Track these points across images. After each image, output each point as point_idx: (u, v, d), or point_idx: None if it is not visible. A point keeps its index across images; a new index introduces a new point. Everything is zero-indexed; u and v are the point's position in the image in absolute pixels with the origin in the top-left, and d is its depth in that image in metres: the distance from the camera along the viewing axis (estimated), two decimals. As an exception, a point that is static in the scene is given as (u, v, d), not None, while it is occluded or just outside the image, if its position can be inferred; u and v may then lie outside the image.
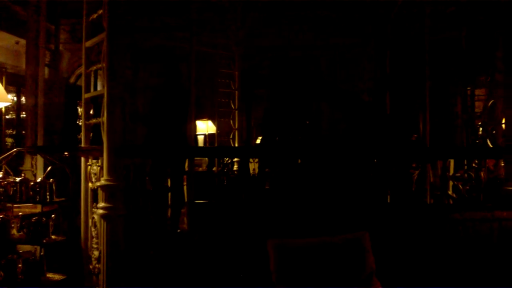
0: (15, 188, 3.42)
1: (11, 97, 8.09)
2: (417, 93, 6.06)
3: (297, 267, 2.95)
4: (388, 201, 3.87)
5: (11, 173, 3.70)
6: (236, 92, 7.04)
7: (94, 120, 3.53)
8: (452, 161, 5.39)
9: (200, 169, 6.83)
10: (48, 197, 3.43)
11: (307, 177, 3.81)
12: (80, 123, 9.11)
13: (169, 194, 5.15)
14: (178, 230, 4.90)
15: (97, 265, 3.40)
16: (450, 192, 4.74)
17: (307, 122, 6.42)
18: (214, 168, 6.32)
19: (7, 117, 8.32)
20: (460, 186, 4.59)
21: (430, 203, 4.60)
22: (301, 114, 6.36)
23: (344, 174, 4.09)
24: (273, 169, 4.50)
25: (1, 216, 3.49)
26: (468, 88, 7.43)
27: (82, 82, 3.78)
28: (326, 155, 3.95)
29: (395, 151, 3.92)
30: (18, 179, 3.48)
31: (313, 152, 4.03)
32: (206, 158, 7.37)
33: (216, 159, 6.69)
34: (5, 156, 3.73)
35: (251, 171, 6.26)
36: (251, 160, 6.76)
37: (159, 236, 4.40)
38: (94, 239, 3.48)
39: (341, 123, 6.38)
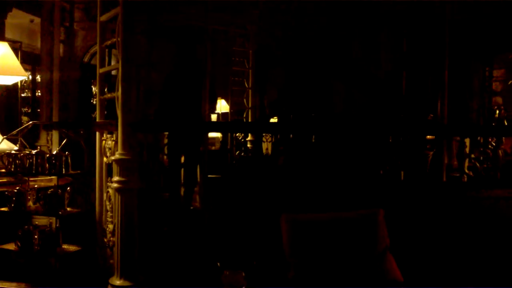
0: (31, 160, 3.45)
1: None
2: (435, 73, 5.96)
3: (310, 241, 2.94)
4: (402, 179, 3.85)
5: (27, 146, 3.73)
6: (250, 70, 6.99)
7: (109, 95, 3.54)
8: (468, 142, 5.32)
9: (213, 147, 6.85)
10: (63, 169, 3.45)
11: (321, 153, 3.79)
12: (94, 102, 9.17)
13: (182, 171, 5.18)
14: (191, 208, 4.94)
15: (111, 238, 3.43)
16: (467, 171, 4.69)
17: (321, 100, 6.37)
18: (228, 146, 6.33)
19: (22, 95, 8.39)
20: (478, 164, 4.53)
21: (445, 181, 4.57)
22: (315, 92, 6.31)
23: (358, 151, 4.06)
24: (288, 146, 4.49)
25: (18, 188, 3.54)
26: (487, 69, 7.30)
27: (96, 60, 3.78)
28: (340, 132, 3.92)
29: (409, 128, 3.87)
30: (34, 151, 3.50)
31: (327, 129, 4.00)
32: (219, 137, 7.40)
33: (229, 138, 6.70)
34: (21, 129, 3.77)
35: (263, 151, 6.26)
36: (263, 139, 6.74)
37: (172, 212, 4.43)
38: (109, 212, 3.52)
39: (356, 101, 6.31)
